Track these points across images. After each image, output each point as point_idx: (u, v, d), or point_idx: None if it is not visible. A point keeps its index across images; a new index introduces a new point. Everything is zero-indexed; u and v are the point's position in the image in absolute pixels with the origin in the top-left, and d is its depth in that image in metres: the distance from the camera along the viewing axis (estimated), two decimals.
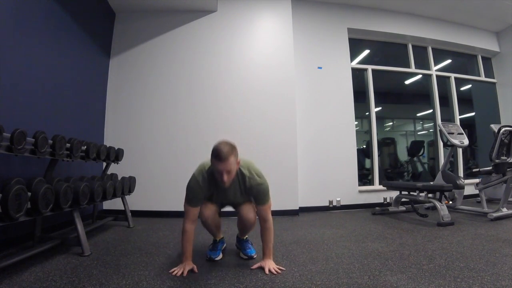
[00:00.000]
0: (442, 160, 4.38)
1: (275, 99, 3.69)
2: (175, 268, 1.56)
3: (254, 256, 1.79)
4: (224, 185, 1.51)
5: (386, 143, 5.28)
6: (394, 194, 3.59)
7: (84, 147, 2.38)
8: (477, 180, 3.79)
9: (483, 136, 4.99)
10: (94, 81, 3.40)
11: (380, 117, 4.92)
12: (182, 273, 1.51)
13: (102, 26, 3.57)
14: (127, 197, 2.90)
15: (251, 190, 1.60)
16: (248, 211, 1.69)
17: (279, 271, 1.56)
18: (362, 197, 4.00)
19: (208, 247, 1.87)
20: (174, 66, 3.73)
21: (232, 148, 1.47)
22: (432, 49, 4.88)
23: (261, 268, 1.58)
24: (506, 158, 3.03)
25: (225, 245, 1.96)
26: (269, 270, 1.54)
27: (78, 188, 1.93)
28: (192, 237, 1.60)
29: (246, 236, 1.89)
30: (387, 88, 5.08)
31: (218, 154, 1.42)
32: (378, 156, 4.38)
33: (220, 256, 1.82)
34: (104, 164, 3.10)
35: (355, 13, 4.39)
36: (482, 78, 5.18)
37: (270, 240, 1.62)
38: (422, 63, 4.84)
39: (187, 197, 1.60)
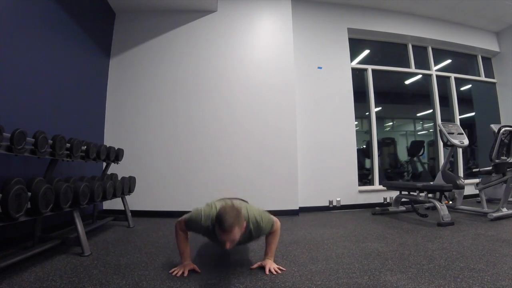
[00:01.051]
0: (442, 160, 4.38)
1: (275, 99, 3.69)
2: (175, 268, 1.56)
3: None
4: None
5: (386, 143, 5.28)
6: (394, 194, 3.59)
7: (84, 147, 2.38)
8: (477, 180, 3.79)
9: (483, 136, 4.99)
10: (94, 81, 3.40)
11: (380, 117, 4.92)
12: (183, 273, 1.51)
13: (102, 26, 3.57)
14: (127, 197, 2.90)
15: (258, 233, 1.56)
16: None
17: (279, 271, 1.56)
18: (362, 197, 4.00)
19: None
20: (174, 66, 3.73)
21: (236, 218, 1.37)
22: (432, 49, 4.88)
23: (261, 268, 1.59)
24: (506, 158, 3.03)
25: None
26: (269, 270, 1.55)
27: (78, 188, 1.93)
28: (187, 239, 1.61)
29: None
30: (387, 88, 5.07)
31: (221, 225, 1.34)
32: (378, 156, 4.38)
33: None
34: (104, 164, 3.11)
35: (355, 13, 4.39)
36: (482, 78, 5.18)
37: (274, 242, 1.64)
38: (422, 63, 4.84)
39: (186, 221, 1.55)
